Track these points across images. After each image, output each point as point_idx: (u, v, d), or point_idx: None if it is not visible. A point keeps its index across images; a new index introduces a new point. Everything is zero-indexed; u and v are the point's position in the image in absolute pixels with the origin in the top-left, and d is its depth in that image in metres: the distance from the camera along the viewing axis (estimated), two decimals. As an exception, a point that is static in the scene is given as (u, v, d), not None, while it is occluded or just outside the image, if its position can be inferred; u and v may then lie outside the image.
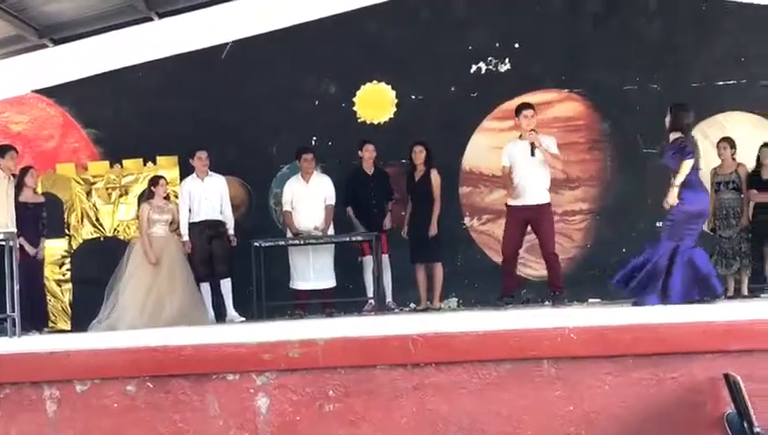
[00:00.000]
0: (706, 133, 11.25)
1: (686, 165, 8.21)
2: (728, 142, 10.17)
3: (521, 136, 9.40)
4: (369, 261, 10.43)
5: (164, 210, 10.13)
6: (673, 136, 8.48)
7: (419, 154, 10.33)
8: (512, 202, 9.36)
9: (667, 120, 8.61)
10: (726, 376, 5.56)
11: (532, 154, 9.17)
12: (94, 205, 11.46)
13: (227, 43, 11.62)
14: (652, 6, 11.42)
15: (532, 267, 10.92)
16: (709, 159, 10.85)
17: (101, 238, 11.48)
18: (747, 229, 10.07)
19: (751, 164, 10.53)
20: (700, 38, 11.37)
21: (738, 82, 11.35)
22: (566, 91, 11.52)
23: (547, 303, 10.15)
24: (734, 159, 10.14)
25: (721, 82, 11.36)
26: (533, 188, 9.25)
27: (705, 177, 10.43)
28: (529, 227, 9.38)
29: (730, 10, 11.30)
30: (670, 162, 8.42)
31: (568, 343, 5.73)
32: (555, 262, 9.35)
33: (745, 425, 5.22)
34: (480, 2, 11.60)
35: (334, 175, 10.76)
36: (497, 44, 11.55)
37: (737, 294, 9.95)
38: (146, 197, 10.30)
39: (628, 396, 5.69)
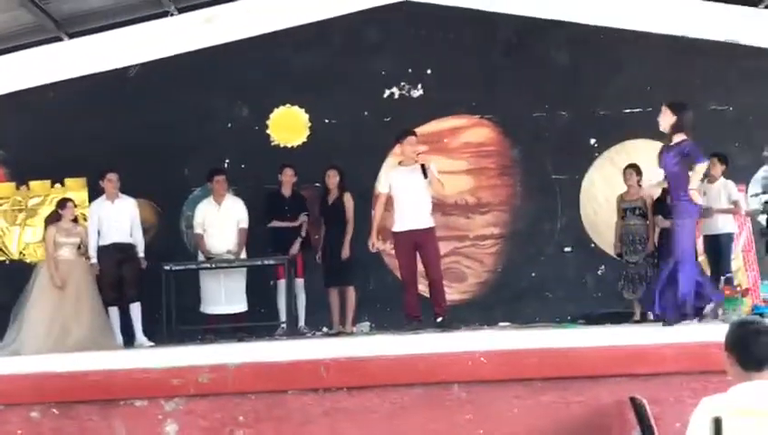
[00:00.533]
0: (613, 160, 11.49)
1: (701, 169, 8.00)
2: (634, 169, 10.35)
3: (401, 162, 9.44)
4: (282, 285, 10.38)
5: (71, 233, 9.95)
6: (678, 138, 8.10)
7: (333, 178, 10.34)
8: (397, 229, 9.33)
9: (667, 120, 8.20)
10: (632, 399, 5.65)
11: (425, 177, 9.18)
12: (-1, 227, 11.22)
13: (135, 65, 11.48)
14: (561, 36, 11.61)
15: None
16: (616, 186, 11.11)
17: (7, 262, 11.24)
18: (653, 255, 10.25)
19: (656, 191, 10.74)
20: (606, 67, 11.58)
21: (643, 110, 11.58)
22: (477, 117, 11.64)
23: (462, 327, 10.20)
24: (639, 185, 10.33)
25: (627, 110, 11.59)
26: (419, 213, 9.28)
27: (612, 204, 10.66)
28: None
29: (637, 40, 11.54)
30: (673, 168, 8.08)
31: (478, 367, 5.77)
32: (440, 285, 9.36)
33: (651, 447, 5.30)
34: (392, 27, 11.66)
35: (246, 198, 10.68)
36: (410, 70, 11.63)
37: (643, 319, 10.11)
38: (53, 219, 10.09)
39: (537, 419, 5.75)
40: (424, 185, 9.25)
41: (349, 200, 10.33)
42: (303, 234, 10.53)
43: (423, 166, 9.21)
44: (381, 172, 9.59)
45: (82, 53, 11.51)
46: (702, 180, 10.34)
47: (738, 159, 10.60)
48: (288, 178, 10.63)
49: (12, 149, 11.49)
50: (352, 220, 10.28)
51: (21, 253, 11.22)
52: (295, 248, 10.46)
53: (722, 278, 10.02)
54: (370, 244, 9.58)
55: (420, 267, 9.38)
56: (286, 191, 10.66)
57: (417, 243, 9.23)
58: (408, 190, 9.27)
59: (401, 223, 9.31)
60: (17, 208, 11.23)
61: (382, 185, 9.49)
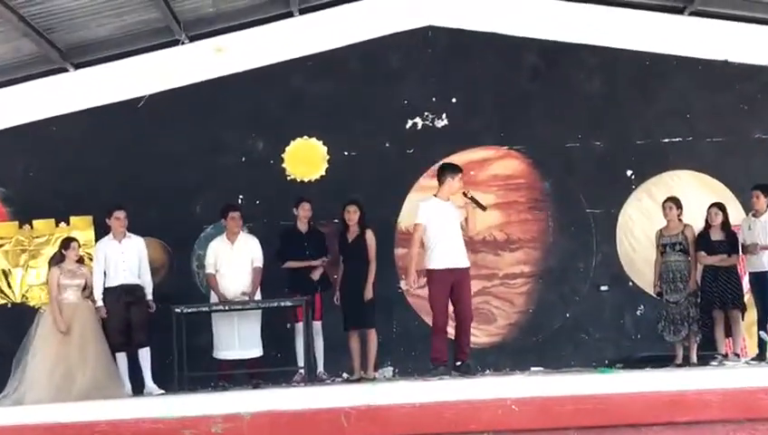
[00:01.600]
0: (651, 193, 11.48)
1: None
2: (674, 202, 10.34)
3: (436, 195, 9.42)
4: (300, 328, 10.37)
5: (76, 274, 9.99)
6: None
7: (353, 214, 10.31)
8: (435, 266, 9.33)
9: None
10: (675, 449, 5.62)
11: (483, 209, 9.24)
12: (1, 269, 11.28)
13: (143, 96, 11.57)
14: (593, 61, 11.65)
15: (472, 334, 10.91)
16: (654, 220, 11.10)
17: (9, 305, 11.30)
18: (695, 293, 10.21)
19: (699, 225, 10.72)
20: (643, 94, 11.61)
21: (684, 140, 11.59)
22: (505, 147, 11.66)
23: (488, 372, 10.18)
24: (680, 219, 10.30)
25: (666, 140, 11.60)
26: (459, 250, 9.31)
27: (651, 239, 10.64)
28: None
29: (674, 65, 11.57)
30: None
31: (509, 415, 5.76)
32: (469, 327, 9.37)
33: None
34: (414, 54, 11.73)
35: (261, 235, 10.71)
36: (434, 99, 11.68)
37: (686, 362, 10.07)
38: (56, 260, 10.13)
39: (572, 471, 5.72)
40: (458, 222, 9.28)
41: (371, 238, 10.31)
42: (319, 275, 10.53)
43: (473, 198, 9.23)
44: (419, 206, 9.49)
45: (88, 85, 11.62)
46: (746, 215, 10.36)
47: (785, 190, 10.54)
48: (305, 212, 10.64)
49: (14, 186, 11.58)
50: (374, 259, 10.28)
51: (23, 295, 11.29)
52: (317, 275, 10.45)
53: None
54: (411, 282, 9.54)
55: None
56: (303, 227, 10.68)
57: (453, 282, 9.23)
58: (448, 225, 9.28)
59: (440, 260, 9.28)
60: (20, 249, 11.31)
61: (420, 217, 9.42)
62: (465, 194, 9.38)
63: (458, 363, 9.18)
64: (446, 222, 9.28)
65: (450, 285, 9.23)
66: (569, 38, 11.61)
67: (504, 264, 11.53)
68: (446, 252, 9.25)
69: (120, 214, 10.20)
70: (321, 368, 10.49)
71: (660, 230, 10.39)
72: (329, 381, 10.36)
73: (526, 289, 11.56)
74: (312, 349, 10.25)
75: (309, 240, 10.62)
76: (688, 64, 11.57)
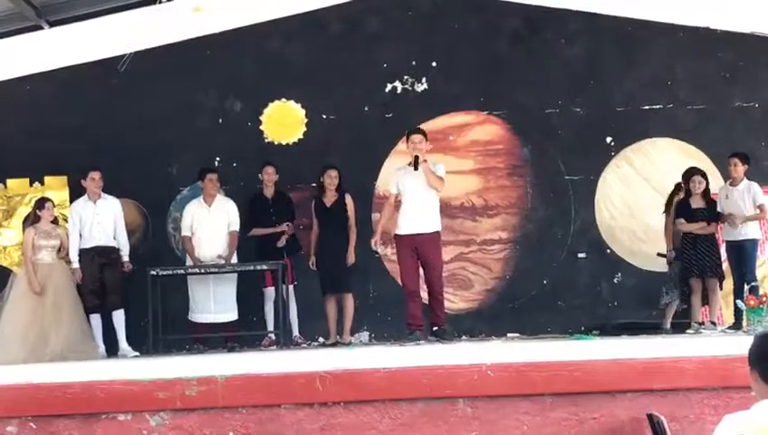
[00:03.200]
0: (631, 160, 11.51)
1: None
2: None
3: (410, 163, 9.42)
4: (270, 293, 10.39)
5: (51, 235, 9.95)
6: None
7: (333, 178, 10.29)
8: (399, 232, 9.36)
9: None
10: (650, 416, 5.66)
11: (415, 168, 9.19)
12: (-26, 228, 11.25)
13: (125, 55, 11.47)
14: (574, 26, 11.62)
15: (448, 299, 10.96)
16: (633, 187, 11.16)
17: (-18, 265, 11.26)
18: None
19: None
20: (624, 60, 11.60)
21: (664, 107, 11.60)
22: (485, 113, 11.65)
23: (465, 338, 10.21)
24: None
25: (646, 107, 11.61)
26: (422, 215, 9.30)
27: (630, 206, 10.67)
28: None
29: (655, 31, 11.55)
30: None
31: (485, 381, 5.79)
32: (439, 295, 9.40)
33: (669, 467, 5.31)
34: (394, 17, 11.68)
35: (238, 199, 10.69)
36: (413, 63, 11.64)
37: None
38: (31, 221, 10.08)
39: (547, 437, 5.76)
40: (427, 184, 9.26)
41: (351, 203, 10.34)
42: (285, 240, 10.52)
43: (416, 158, 9.20)
44: (393, 173, 9.55)
45: (64, 43, 11.51)
46: (724, 183, 10.40)
47: (764, 158, 10.60)
48: (269, 177, 10.62)
49: (-12, 144, 11.51)
50: (355, 223, 10.30)
51: (-3, 255, 11.23)
52: (282, 242, 10.45)
53: (746, 287, 10.05)
54: (373, 242, 9.59)
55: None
56: (269, 192, 10.66)
57: (418, 248, 9.25)
58: (413, 192, 9.29)
59: (403, 226, 9.33)
60: (-7, 209, 11.25)
61: (393, 185, 9.48)
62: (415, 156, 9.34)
63: (435, 329, 9.23)
64: (410, 187, 9.30)
65: (414, 249, 9.25)
66: (551, 3, 11.57)
67: (482, 229, 11.55)
68: (409, 217, 9.28)
69: (96, 175, 10.15)
70: (296, 332, 10.51)
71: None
72: (305, 346, 10.38)
73: (503, 255, 11.59)
74: (286, 313, 10.26)
75: (275, 206, 10.61)
76: (670, 31, 11.56)
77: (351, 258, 10.21)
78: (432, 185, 9.25)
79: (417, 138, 9.36)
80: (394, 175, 9.59)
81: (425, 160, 9.26)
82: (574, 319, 11.02)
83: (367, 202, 11.33)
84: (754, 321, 9.31)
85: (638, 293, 11.27)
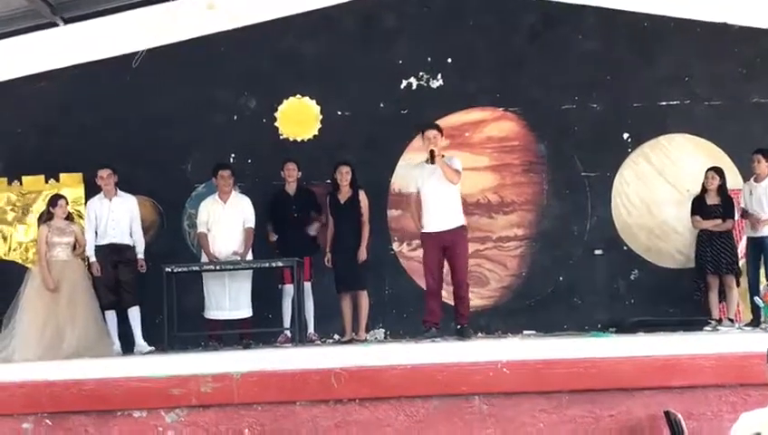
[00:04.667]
0: (648, 156, 11.47)
1: None
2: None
3: (427, 160, 9.44)
4: (289, 290, 10.41)
5: (65, 232, 10.00)
6: None
7: (346, 175, 10.33)
8: (425, 229, 9.38)
9: None
10: (667, 413, 5.65)
11: (432, 162, 9.21)
12: (-11, 225, 11.30)
13: (139, 52, 11.51)
14: (591, 22, 11.58)
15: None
16: (650, 184, 11.14)
17: (-3, 262, 11.31)
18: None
19: (695, 189, 10.75)
20: (641, 56, 11.55)
21: (681, 103, 11.57)
22: (501, 109, 11.62)
23: (480, 335, 10.21)
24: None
25: (663, 103, 11.57)
26: (447, 211, 9.33)
27: (646, 202, 10.64)
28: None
29: (673, 27, 11.52)
30: None
31: (500, 378, 5.79)
32: (466, 290, 9.42)
33: (686, 465, 5.30)
34: (410, 13, 11.66)
35: (253, 195, 10.71)
36: (429, 59, 11.62)
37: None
38: (44, 218, 10.13)
39: (563, 435, 5.75)
40: (444, 180, 9.27)
41: (364, 199, 10.34)
42: (314, 232, 10.60)
43: (432, 152, 9.22)
44: (411, 171, 9.59)
45: (79, 40, 11.54)
46: (747, 180, 10.37)
47: (783, 155, 10.54)
48: (289, 172, 10.65)
49: (3, 142, 11.52)
50: (368, 220, 10.31)
51: (13, 252, 11.26)
52: (313, 230, 10.49)
53: (763, 284, 10.03)
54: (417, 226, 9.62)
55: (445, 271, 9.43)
56: (290, 188, 10.69)
57: (445, 244, 9.26)
58: (432, 188, 9.30)
59: (429, 224, 9.33)
60: (9, 206, 11.29)
61: (412, 183, 9.54)
62: (431, 149, 9.36)
63: (458, 327, 9.27)
64: (429, 184, 9.33)
65: (442, 247, 9.28)
66: (567, -1, 11.57)
67: (498, 226, 11.53)
68: (432, 214, 9.31)
69: (104, 173, 10.23)
70: (311, 329, 10.53)
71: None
72: (319, 343, 10.40)
73: (519, 252, 11.57)
74: (302, 310, 10.28)
75: (296, 201, 10.63)
76: (687, 27, 11.52)
77: (363, 255, 10.22)
78: (448, 178, 9.26)
79: (431, 133, 9.39)
80: (412, 172, 9.61)
81: (441, 155, 9.28)
82: (591, 316, 11.01)
83: (382, 199, 11.33)
84: (772, 318, 9.30)
85: (654, 290, 11.24)
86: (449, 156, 9.50)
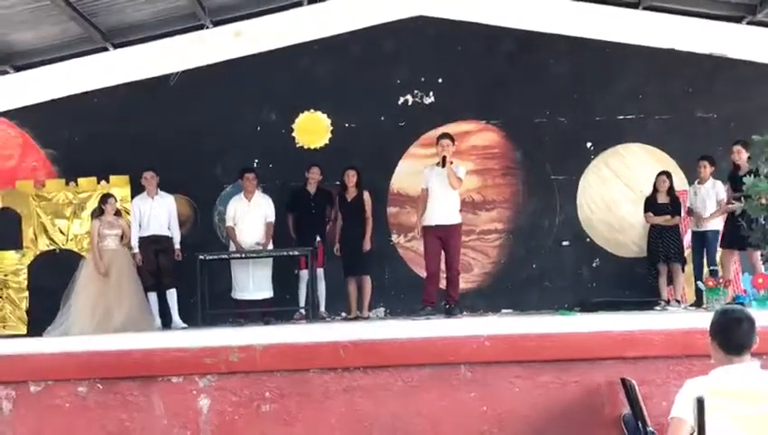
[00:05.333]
0: (608, 162, 11.48)
1: None
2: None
3: (438, 163, 9.46)
4: (304, 275, 10.43)
5: (114, 225, 10.03)
6: None
7: (352, 177, 10.39)
8: (427, 223, 9.36)
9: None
10: (623, 380, 5.65)
11: (443, 166, 9.21)
12: (51, 219, 11.27)
13: (175, 73, 11.51)
14: (561, 48, 11.58)
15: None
16: (610, 186, 11.17)
17: (56, 251, 11.29)
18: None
19: (647, 190, 10.76)
20: (603, 77, 11.55)
21: (636, 117, 11.57)
22: (483, 122, 11.62)
23: (466, 313, 10.22)
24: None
25: (621, 117, 11.56)
26: (447, 209, 9.32)
27: (607, 202, 10.65)
28: None
29: (630, 52, 11.51)
30: None
31: (482, 350, 5.79)
32: (457, 278, 9.43)
33: (640, 425, 5.30)
34: (407, 39, 11.65)
35: (274, 195, 10.74)
36: (422, 79, 11.62)
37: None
38: (96, 213, 10.19)
39: (535, 398, 5.76)
40: (447, 183, 9.27)
41: (368, 198, 10.42)
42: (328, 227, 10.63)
43: (444, 158, 9.23)
44: (422, 171, 9.61)
45: (125, 62, 11.55)
46: (692, 183, 10.39)
47: (721, 161, 10.56)
48: (313, 175, 10.70)
49: (62, 149, 11.54)
50: (371, 216, 10.35)
51: (70, 242, 11.27)
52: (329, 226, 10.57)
53: (706, 271, 10.04)
54: (416, 232, 9.60)
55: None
56: (311, 188, 10.72)
57: (442, 237, 9.26)
58: (438, 189, 9.30)
59: (430, 217, 9.32)
60: (66, 202, 11.29)
61: (422, 182, 9.51)
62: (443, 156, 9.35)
63: (447, 307, 9.30)
64: (436, 185, 9.32)
65: (440, 239, 9.27)
66: (541, 28, 11.53)
67: (481, 221, 11.54)
68: (435, 210, 9.30)
69: (148, 174, 10.30)
70: (322, 308, 10.54)
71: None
72: (329, 320, 10.41)
73: (499, 243, 11.57)
74: (315, 292, 10.30)
75: (315, 199, 10.66)
76: (641, 52, 11.51)
77: (368, 245, 10.28)
78: (451, 183, 9.28)
79: (445, 141, 9.39)
80: (423, 173, 9.59)
81: (451, 162, 9.29)
82: (559, 298, 11.02)
83: (383, 198, 11.35)
84: (713, 299, 9.30)
85: (613, 275, 11.26)
86: (457, 165, 9.49)
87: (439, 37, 11.64)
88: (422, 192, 9.55)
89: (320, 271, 10.50)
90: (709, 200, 10.16)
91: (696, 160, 10.41)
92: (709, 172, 10.24)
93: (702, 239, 10.23)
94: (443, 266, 9.41)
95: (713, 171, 10.30)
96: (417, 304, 9.36)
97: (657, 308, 9.84)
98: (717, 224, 10.26)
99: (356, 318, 10.16)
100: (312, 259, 10.13)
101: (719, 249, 10.15)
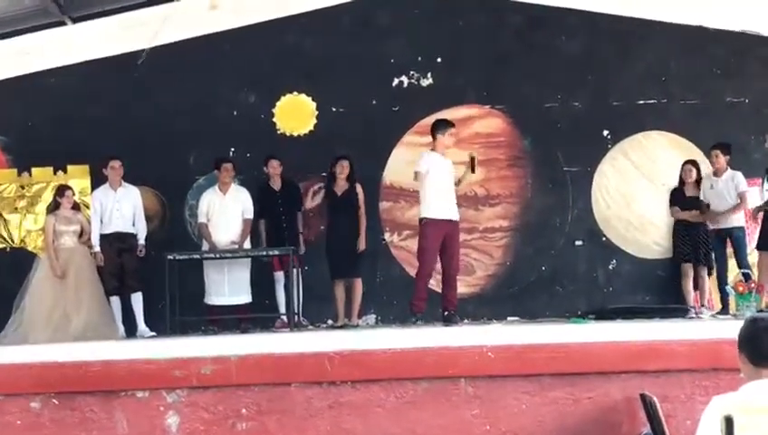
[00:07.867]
0: (626, 152, 11.48)
1: None
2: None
3: (433, 149, 9.45)
4: (279, 277, 10.41)
5: (71, 221, 10.00)
6: None
7: (345, 169, 10.32)
8: (432, 215, 9.33)
9: None
10: (643, 396, 5.66)
11: (473, 171, 9.28)
12: (0, 214, 11.24)
13: (144, 50, 11.48)
14: (574, 24, 11.57)
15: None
16: (628, 178, 11.16)
17: (8, 249, 11.27)
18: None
19: (671, 182, 10.77)
20: (621, 57, 11.55)
21: (658, 102, 11.57)
22: (488, 106, 11.61)
23: (467, 321, 10.22)
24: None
25: (641, 101, 11.57)
26: (452, 203, 9.33)
27: (625, 196, 10.66)
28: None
29: (651, 29, 11.51)
30: None
31: (485, 362, 5.79)
32: (455, 280, 9.45)
33: (661, 445, 5.31)
34: (402, 14, 11.64)
35: (252, 188, 10.71)
36: (419, 58, 11.60)
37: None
38: (52, 208, 10.14)
39: (545, 415, 5.77)
40: (453, 177, 9.34)
41: (361, 192, 10.38)
42: (301, 229, 10.60)
43: (473, 159, 9.27)
44: (423, 155, 9.59)
45: (86, 38, 11.51)
46: (708, 174, 10.38)
47: (754, 151, 10.58)
48: (273, 169, 10.65)
49: (14, 134, 11.51)
50: (365, 211, 10.34)
51: (22, 240, 11.24)
52: (302, 249, 10.56)
53: (734, 274, 10.04)
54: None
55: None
56: (275, 184, 10.68)
57: (446, 234, 9.26)
58: (446, 179, 9.32)
59: (437, 210, 9.31)
60: (18, 195, 11.26)
61: (421, 166, 9.40)
62: (471, 156, 9.37)
63: (446, 313, 9.24)
64: (445, 175, 9.32)
65: (443, 235, 9.27)
66: (551, 1, 11.53)
67: (484, 218, 11.53)
68: (443, 203, 9.31)
69: (116, 163, 10.23)
70: (300, 314, 10.51)
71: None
72: (310, 327, 10.38)
73: (504, 242, 11.57)
74: (295, 296, 10.26)
75: (282, 196, 10.63)
76: (664, 29, 11.51)
77: (362, 245, 10.25)
78: (461, 180, 9.41)
79: (453, 130, 9.51)
80: (423, 157, 9.52)
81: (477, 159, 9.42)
82: (571, 303, 11.03)
83: (374, 191, 11.33)
84: (743, 306, 9.30)
85: (632, 279, 11.27)
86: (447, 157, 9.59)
87: (438, 11, 11.62)
88: (416, 175, 9.47)
89: (294, 273, 10.46)
90: (727, 194, 10.13)
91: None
92: (724, 162, 10.22)
93: (725, 238, 10.23)
94: (437, 268, 9.42)
95: (728, 160, 10.29)
96: (410, 307, 9.35)
97: (691, 316, 9.77)
98: (741, 220, 10.25)
99: (343, 326, 10.14)
100: (290, 260, 10.05)
101: (755, 251, 10.14)
